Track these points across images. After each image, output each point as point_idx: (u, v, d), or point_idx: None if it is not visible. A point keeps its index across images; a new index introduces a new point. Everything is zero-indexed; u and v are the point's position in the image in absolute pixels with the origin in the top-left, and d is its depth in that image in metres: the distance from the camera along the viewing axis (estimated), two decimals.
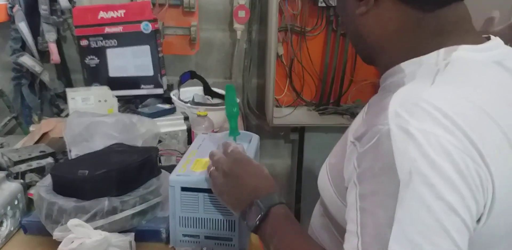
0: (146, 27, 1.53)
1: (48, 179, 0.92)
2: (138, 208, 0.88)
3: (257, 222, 0.65)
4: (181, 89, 1.53)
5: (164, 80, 1.62)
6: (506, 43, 0.61)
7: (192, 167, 0.84)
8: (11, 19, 1.59)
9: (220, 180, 0.72)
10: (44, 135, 1.25)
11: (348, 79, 1.94)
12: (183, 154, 1.08)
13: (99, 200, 0.84)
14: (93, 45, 1.56)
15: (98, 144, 1.05)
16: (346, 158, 0.57)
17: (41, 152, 1.10)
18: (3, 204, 0.88)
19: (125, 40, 1.55)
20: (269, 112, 1.79)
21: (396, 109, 0.49)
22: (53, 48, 1.60)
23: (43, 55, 1.65)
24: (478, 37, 0.60)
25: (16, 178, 1.01)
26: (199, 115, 1.27)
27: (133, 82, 1.59)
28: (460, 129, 0.47)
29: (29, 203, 0.97)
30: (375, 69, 0.69)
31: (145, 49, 1.56)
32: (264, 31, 1.84)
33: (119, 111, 1.42)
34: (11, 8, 1.57)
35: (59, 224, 0.82)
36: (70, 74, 1.78)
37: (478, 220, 0.49)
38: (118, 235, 0.83)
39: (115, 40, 1.55)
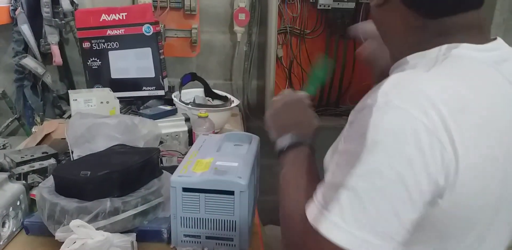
0: (147, 30, 1.54)
1: (50, 180, 0.91)
2: (139, 209, 0.88)
3: (284, 148, 0.78)
4: (182, 91, 1.54)
5: (166, 82, 1.62)
6: None
7: (193, 168, 0.85)
8: (13, 22, 1.60)
9: (279, 105, 0.87)
10: (46, 136, 1.25)
11: (347, 81, 1.94)
12: (184, 154, 1.08)
13: (101, 200, 0.84)
14: (95, 47, 1.57)
15: (100, 145, 1.05)
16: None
17: (43, 153, 1.10)
18: (5, 205, 0.88)
19: (126, 42, 1.55)
20: None
21: (386, 88, 0.54)
22: (55, 50, 1.61)
23: (46, 57, 1.66)
24: (484, 38, 0.61)
25: (18, 179, 1.00)
26: (200, 117, 1.28)
27: (134, 84, 1.60)
28: (439, 113, 0.51)
29: (31, 204, 0.96)
30: None
31: (147, 51, 1.56)
32: (264, 33, 1.84)
33: (121, 112, 1.42)
34: (14, 10, 1.57)
35: (61, 224, 0.82)
36: (72, 76, 1.78)
37: (441, 197, 0.53)
38: (120, 235, 0.83)
39: (117, 43, 1.56)
